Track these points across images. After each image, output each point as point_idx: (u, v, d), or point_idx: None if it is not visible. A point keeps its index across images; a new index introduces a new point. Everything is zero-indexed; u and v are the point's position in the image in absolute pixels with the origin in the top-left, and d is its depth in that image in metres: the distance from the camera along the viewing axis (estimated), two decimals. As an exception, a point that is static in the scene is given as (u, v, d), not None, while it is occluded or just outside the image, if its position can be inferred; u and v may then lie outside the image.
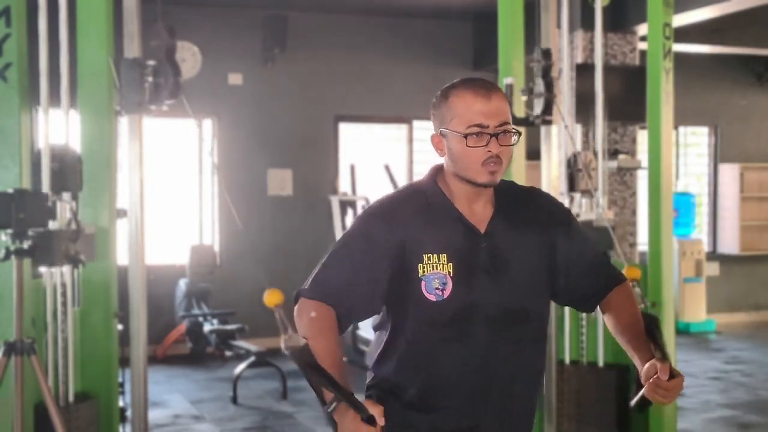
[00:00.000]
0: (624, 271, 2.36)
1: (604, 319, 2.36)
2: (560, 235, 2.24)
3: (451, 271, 2.12)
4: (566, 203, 5.32)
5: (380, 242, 2.13)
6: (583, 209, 5.35)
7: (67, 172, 4.37)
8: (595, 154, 5.43)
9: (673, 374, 2.05)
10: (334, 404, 1.99)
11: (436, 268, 2.12)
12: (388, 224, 2.14)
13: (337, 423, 1.99)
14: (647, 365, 2.10)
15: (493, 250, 2.16)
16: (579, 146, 5.66)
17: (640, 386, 2.11)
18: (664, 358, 2.07)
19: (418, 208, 2.17)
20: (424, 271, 2.12)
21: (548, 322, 2.33)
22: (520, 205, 2.23)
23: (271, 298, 2.18)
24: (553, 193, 5.28)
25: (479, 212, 2.19)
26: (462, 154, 2.12)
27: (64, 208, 4.38)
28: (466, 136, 2.10)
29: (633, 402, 2.15)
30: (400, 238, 2.13)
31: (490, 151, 2.10)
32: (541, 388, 2.34)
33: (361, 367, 7.99)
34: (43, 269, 4.46)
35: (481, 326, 2.14)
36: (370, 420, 1.96)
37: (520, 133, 2.18)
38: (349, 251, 2.17)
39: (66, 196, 4.40)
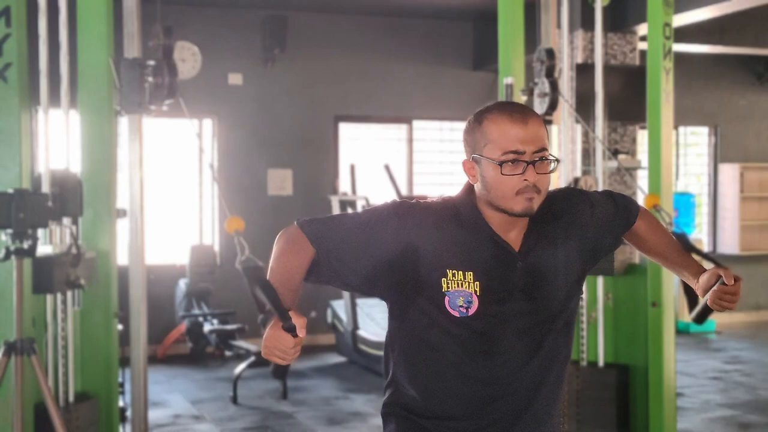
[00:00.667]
0: (644, 201, 2.41)
1: (637, 249, 2.39)
2: (589, 226, 2.20)
3: (477, 290, 2.04)
4: None
5: (387, 234, 2.06)
6: None
7: (68, 196, 4.38)
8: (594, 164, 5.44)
9: (735, 278, 2.09)
10: (267, 316, 1.97)
11: (461, 286, 2.04)
12: (403, 224, 2.06)
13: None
14: (704, 276, 2.12)
15: (529, 269, 2.09)
16: (579, 144, 5.65)
17: (694, 299, 2.15)
18: (719, 264, 2.14)
19: (447, 221, 2.08)
20: (448, 287, 2.04)
21: (575, 322, 2.26)
22: (550, 217, 2.14)
23: (232, 224, 2.18)
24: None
25: (513, 235, 2.10)
26: (496, 183, 2.02)
27: (64, 232, 4.39)
28: (501, 164, 2.00)
29: (694, 314, 2.19)
30: (412, 242, 2.05)
31: (526, 180, 2.00)
32: (562, 396, 2.26)
33: (361, 367, 8.00)
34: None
35: (511, 339, 2.09)
36: (290, 329, 1.89)
37: (558, 161, 2.09)
38: (359, 222, 2.10)
39: (66, 221, 4.43)
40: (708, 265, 2.27)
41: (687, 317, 9.95)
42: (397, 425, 2.19)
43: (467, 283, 2.05)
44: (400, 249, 2.06)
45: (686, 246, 2.24)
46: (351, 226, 2.09)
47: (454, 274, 2.05)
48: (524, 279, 2.08)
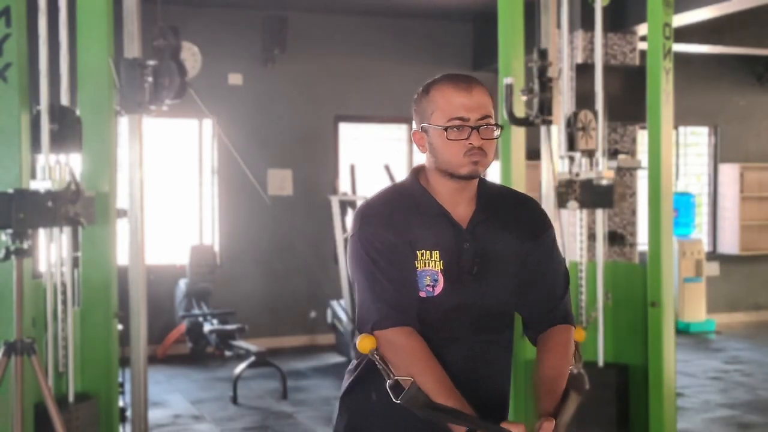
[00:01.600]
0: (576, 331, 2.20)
1: (536, 357, 2.23)
2: (533, 243, 2.18)
3: (442, 268, 2.09)
4: (566, 164, 5.32)
5: (394, 245, 2.08)
6: (583, 169, 5.34)
7: (67, 132, 4.37)
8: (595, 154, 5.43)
9: None
10: None
11: (428, 265, 2.08)
12: (391, 227, 2.09)
13: None
14: (538, 423, 2.00)
15: (475, 250, 2.11)
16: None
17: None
18: (557, 419, 1.98)
19: (406, 206, 2.13)
20: (418, 267, 2.09)
21: (510, 350, 2.23)
22: (503, 208, 2.18)
23: (365, 343, 2.11)
24: (552, 192, 5.30)
25: (462, 211, 2.14)
26: (443, 148, 2.09)
27: (63, 170, 4.37)
28: (446, 129, 2.07)
29: None
30: (407, 236, 2.09)
31: (471, 143, 2.06)
32: (509, 381, 2.26)
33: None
34: (43, 269, 4.47)
35: (466, 329, 2.11)
36: None
37: (502, 127, 2.14)
38: (376, 266, 2.08)
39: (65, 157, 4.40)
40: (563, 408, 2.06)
41: (687, 317, 9.96)
42: (350, 418, 2.20)
43: (434, 261, 2.09)
44: (407, 245, 2.09)
45: (571, 386, 2.09)
46: (386, 276, 2.07)
47: (423, 254, 2.09)
48: (470, 259, 2.11)
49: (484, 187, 2.19)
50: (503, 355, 2.19)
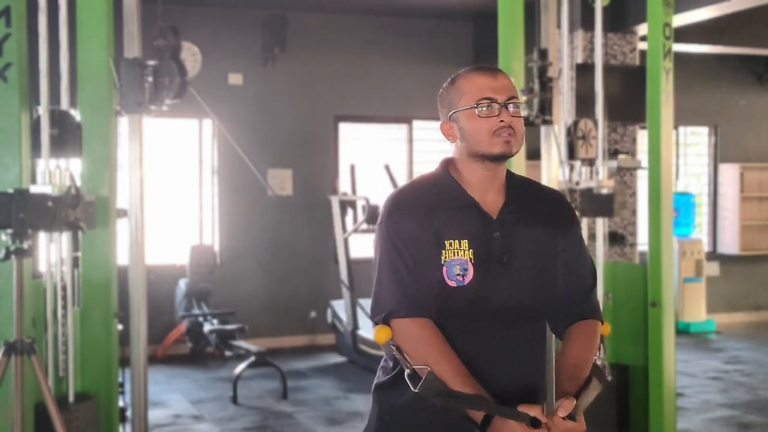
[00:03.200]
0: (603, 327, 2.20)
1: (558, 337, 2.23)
2: (560, 237, 2.20)
3: (472, 257, 2.10)
4: (566, 172, 5.32)
5: (419, 236, 2.10)
6: (583, 177, 5.35)
7: (67, 137, 4.37)
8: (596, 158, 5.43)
9: (573, 417, 1.97)
10: (488, 421, 1.94)
11: (457, 254, 2.10)
12: (418, 218, 2.11)
13: None
14: (558, 401, 2.01)
15: (505, 240, 2.13)
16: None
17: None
18: (577, 399, 1.99)
19: (435, 196, 2.15)
20: (446, 257, 2.09)
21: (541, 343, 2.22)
22: (531, 199, 2.21)
23: (381, 334, 2.11)
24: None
25: (491, 201, 2.16)
26: (474, 128, 2.12)
27: (64, 175, 4.37)
28: (477, 106, 2.11)
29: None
30: (432, 227, 2.10)
31: (502, 120, 2.10)
32: (539, 372, 2.21)
33: (361, 367, 8.00)
34: (43, 269, 4.47)
35: (491, 319, 2.11)
36: (535, 423, 1.90)
37: (525, 121, 2.20)
38: (399, 255, 2.10)
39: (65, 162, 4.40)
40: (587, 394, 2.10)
41: (687, 317, 9.96)
42: (379, 411, 2.22)
43: (462, 250, 2.10)
44: (432, 235, 2.10)
45: (594, 374, 2.10)
46: (405, 267, 2.09)
47: (451, 243, 2.10)
48: (499, 249, 2.12)
49: (513, 178, 2.22)
50: (530, 347, 2.17)
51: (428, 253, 2.09)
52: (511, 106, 2.12)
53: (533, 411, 1.93)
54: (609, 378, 2.10)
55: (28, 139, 4.18)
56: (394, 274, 2.10)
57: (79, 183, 4.40)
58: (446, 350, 2.05)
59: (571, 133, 5.29)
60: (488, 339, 2.12)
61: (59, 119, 4.38)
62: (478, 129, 2.11)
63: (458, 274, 2.09)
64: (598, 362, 2.13)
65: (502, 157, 2.13)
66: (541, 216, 2.19)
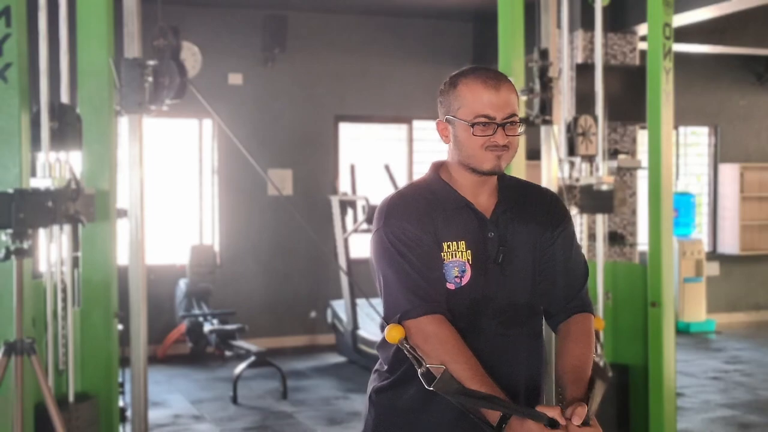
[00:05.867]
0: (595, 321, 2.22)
1: (557, 346, 2.24)
2: (552, 233, 2.22)
3: (470, 258, 2.11)
4: (566, 169, 5.33)
5: (420, 237, 2.10)
6: (583, 174, 5.35)
7: (67, 130, 4.37)
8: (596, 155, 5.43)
9: (588, 423, 1.97)
10: (505, 422, 1.93)
11: (455, 256, 2.11)
12: (415, 220, 2.11)
13: None
14: (569, 408, 2.00)
15: (500, 240, 2.14)
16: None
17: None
18: (588, 404, 1.99)
19: (428, 200, 2.15)
20: (445, 260, 2.10)
21: (539, 337, 2.25)
22: (523, 198, 2.22)
23: (393, 333, 2.10)
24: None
25: (484, 202, 2.18)
26: (467, 141, 2.11)
27: (63, 168, 4.37)
28: (473, 125, 2.09)
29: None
30: (431, 230, 2.11)
31: (496, 141, 2.09)
32: (540, 369, 2.26)
33: (361, 367, 8.00)
34: (43, 269, 4.47)
35: (491, 320, 2.13)
36: (553, 424, 1.89)
37: (525, 123, 2.18)
38: (403, 258, 2.09)
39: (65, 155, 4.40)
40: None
41: (687, 317, 9.96)
42: (378, 413, 2.22)
43: (460, 252, 2.11)
44: (432, 239, 2.10)
45: (597, 375, 2.11)
46: (411, 267, 2.09)
47: (449, 246, 2.11)
48: (495, 249, 2.13)
49: (504, 179, 2.23)
50: (530, 344, 2.19)
51: (431, 253, 2.10)
52: (508, 124, 2.10)
53: (552, 412, 1.92)
54: (610, 375, 2.12)
55: (28, 139, 4.18)
56: (401, 277, 2.09)
57: (79, 177, 4.40)
58: (462, 348, 2.04)
59: (571, 129, 5.29)
60: (492, 339, 2.13)
61: (59, 112, 4.38)
62: (471, 143, 2.11)
63: (456, 276, 2.10)
64: (598, 361, 2.15)
65: (492, 173, 2.13)
66: (534, 214, 2.21)
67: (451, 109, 2.14)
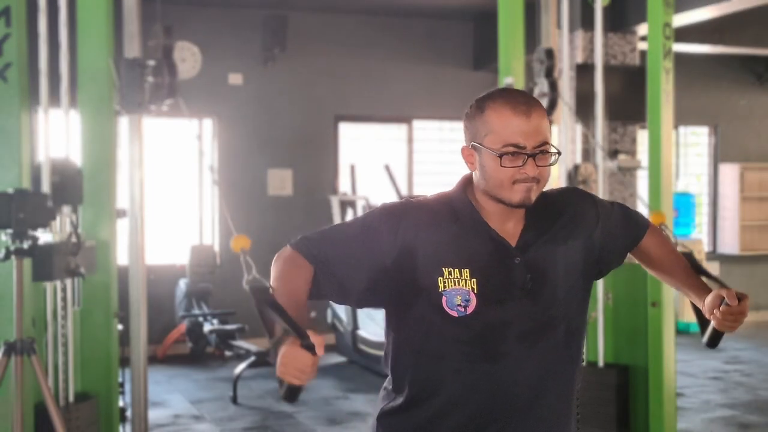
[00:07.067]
0: (650, 218, 2.37)
1: (644, 267, 2.35)
2: (593, 227, 2.14)
3: (475, 287, 1.99)
4: None
5: (383, 239, 2.01)
6: None
7: (68, 185, 4.38)
8: (595, 167, 5.43)
9: (740, 297, 2.06)
10: (281, 336, 1.88)
11: (458, 284, 1.99)
12: (397, 225, 2.02)
13: (280, 350, 1.87)
14: (709, 298, 2.09)
15: (529, 265, 2.03)
16: (579, 144, 5.65)
17: (705, 322, 2.10)
18: (723, 285, 2.09)
19: (443, 218, 2.04)
20: (444, 286, 1.99)
21: (585, 329, 2.18)
22: (550, 214, 2.09)
23: (238, 242, 2.18)
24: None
25: (511, 228, 2.05)
26: (495, 173, 1.97)
27: (64, 221, 4.39)
28: (501, 156, 1.95)
29: (705, 338, 2.15)
30: (408, 243, 2.00)
31: (525, 173, 1.96)
32: (575, 397, 2.16)
33: (361, 367, 7.99)
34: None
35: (512, 343, 2.02)
36: (309, 347, 1.84)
37: (559, 153, 2.02)
38: (351, 231, 2.07)
39: (67, 209, 4.43)
40: (714, 286, 2.23)
41: (687, 317, 9.96)
42: None
43: (464, 280, 1.99)
44: (396, 251, 2.00)
45: (693, 266, 2.20)
46: (345, 237, 2.06)
47: (450, 272, 1.99)
48: (523, 276, 2.01)
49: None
50: (567, 368, 2.10)
51: (360, 255, 2.03)
52: (539, 153, 1.95)
53: (315, 338, 1.86)
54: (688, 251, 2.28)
55: (28, 139, 4.18)
56: (335, 234, 2.08)
57: (78, 167, 4.42)
58: (299, 281, 2.05)
59: (572, 177, 5.32)
60: (518, 360, 2.03)
61: (60, 167, 4.40)
62: (498, 175, 1.96)
63: (459, 305, 2.00)
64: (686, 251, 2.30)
65: (520, 207, 2.00)
66: (565, 228, 2.10)
67: (477, 136, 1.99)
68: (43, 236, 4.21)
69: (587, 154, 7.30)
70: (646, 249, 2.28)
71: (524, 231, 2.05)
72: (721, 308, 2.05)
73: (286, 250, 2.08)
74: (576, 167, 5.34)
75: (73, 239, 4.22)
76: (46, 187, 4.33)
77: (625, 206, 2.29)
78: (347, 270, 2.04)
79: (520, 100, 1.97)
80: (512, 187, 1.97)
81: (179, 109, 4.76)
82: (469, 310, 2.00)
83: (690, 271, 2.23)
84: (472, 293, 1.99)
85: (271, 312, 1.90)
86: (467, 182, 2.09)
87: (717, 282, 2.11)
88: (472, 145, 2.02)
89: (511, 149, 1.94)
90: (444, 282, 2.00)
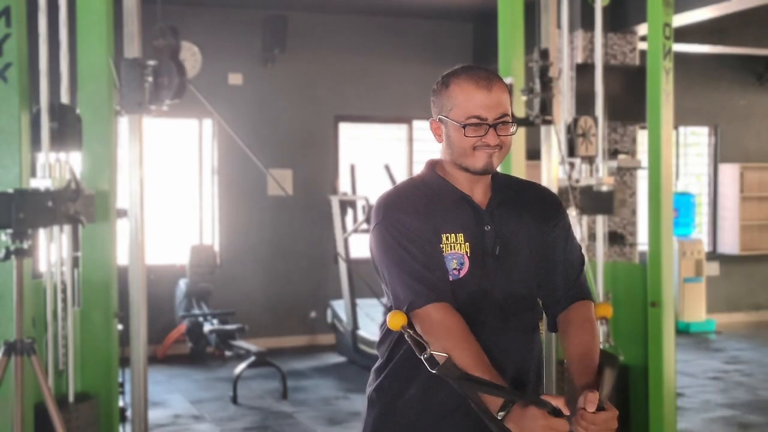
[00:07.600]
0: (598, 307, 2.21)
1: (560, 337, 2.23)
2: (547, 225, 2.24)
3: (468, 251, 2.12)
4: (566, 169, 5.33)
5: (420, 229, 2.11)
6: (583, 175, 5.35)
7: (67, 131, 4.37)
8: (596, 167, 5.43)
9: (603, 407, 1.93)
10: (507, 408, 1.92)
11: (454, 248, 2.12)
12: (414, 213, 2.12)
13: (514, 427, 1.90)
14: (581, 396, 1.97)
15: (497, 233, 2.16)
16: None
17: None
18: (599, 391, 1.95)
19: (426, 195, 2.17)
20: (444, 251, 2.12)
21: (536, 332, 2.26)
22: (517, 193, 2.24)
23: (396, 320, 2.11)
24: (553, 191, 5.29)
25: (479, 197, 2.20)
26: (459, 141, 2.13)
27: (64, 168, 4.37)
28: (464, 126, 2.11)
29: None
30: (430, 222, 2.12)
31: (487, 142, 2.11)
32: (539, 361, 2.26)
33: (361, 367, 8.00)
34: (43, 269, 4.47)
35: (489, 313, 2.13)
36: (556, 412, 1.88)
37: (517, 123, 2.20)
38: (405, 250, 2.10)
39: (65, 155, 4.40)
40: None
41: (687, 317, 9.96)
42: (379, 411, 2.23)
43: (459, 244, 2.13)
44: (431, 232, 2.11)
45: (604, 367, 2.08)
46: (413, 258, 2.09)
47: (447, 237, 2.12)
48: (492, 242, 2.14)
49: (497, 176, 2.25)
50: (529, 336, 2.20)
51: (432, 243, 2.11)
52: (500, 125, 2.11)
53: (556, 401, 1.91)
54: (621, 358, 2.17)
55: (28, 139, 4.18)
56: (404, 268, 2.09)
57: (79, 177, 4.40)
58: (467, 336, 2.04)
59: (571, 130, 5.30)
60: (493, 331, 2.13)
61: (59, 112, 4.38)
62: (462, 144, 2.12)
63: (455, 269, 2.11)
64: (605, 346, 2.19)
65: (484, 172, 2.15)
66: (529, 207, 2.23)
67: (443, 109, 2.16)
68: (42, 181, 4.20)
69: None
70: (568, 318, 2.21)
71: (491, 200, 2.20)
72: (580, 411, 1.93)
73: (420, 316, 2.06)
74: (575, 120, 5.31)
75: (73, 185, 4.20)
76: (45, 133, 4.29)
77: (583, 268, 2.28)
78: (446, 272, 2.12)
79: (482, 75, 2.13)
80: (475, 154, 2.12)
81: (181, 109, 4.75)
82: (463, 272, 2.12)
83: (588, 361, 2.08)
84: (465, 256, 2.12)
85: (477, 386, 1.94)
86: (433, 163, 2.24)
87: (600, 387, 1.98)
88: (438, 118, 2.18)
89: (474, 120, 2.10)
90: (444, 247, 2.12)
